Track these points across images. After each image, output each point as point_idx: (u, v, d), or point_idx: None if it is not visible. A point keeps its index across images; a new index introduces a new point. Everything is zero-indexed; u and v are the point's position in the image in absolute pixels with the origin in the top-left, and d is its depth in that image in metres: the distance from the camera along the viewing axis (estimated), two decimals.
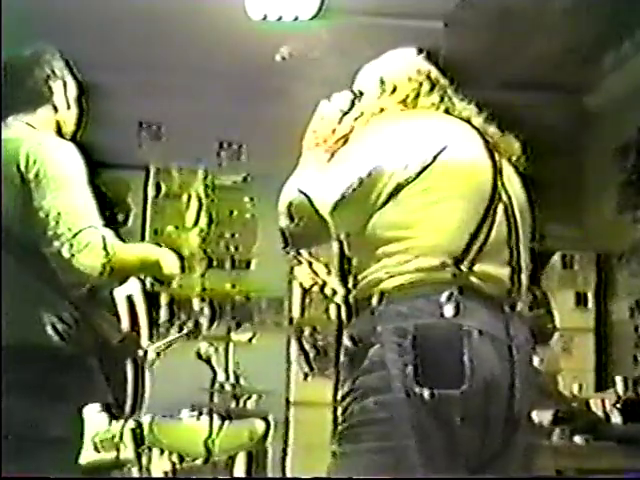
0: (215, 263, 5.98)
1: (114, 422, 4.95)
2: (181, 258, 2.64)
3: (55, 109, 2.60)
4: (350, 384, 2.06)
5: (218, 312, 5.94)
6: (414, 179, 2.05)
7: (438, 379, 1.95)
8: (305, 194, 2.20)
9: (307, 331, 5.81)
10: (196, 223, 5.98)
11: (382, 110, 2.27)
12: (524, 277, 2.15)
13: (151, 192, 5.96)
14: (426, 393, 1.93)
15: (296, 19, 4.78)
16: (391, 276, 2.06)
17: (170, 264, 2.55)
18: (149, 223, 5.92)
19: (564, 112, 5.75)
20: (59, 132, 2.61)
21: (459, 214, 2.06)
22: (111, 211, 5.82)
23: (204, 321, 5.93)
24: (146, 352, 2.79)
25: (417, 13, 4.73)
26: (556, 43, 5.05)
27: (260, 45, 4.92)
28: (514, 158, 2.26)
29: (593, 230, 5.66)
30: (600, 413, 4.47)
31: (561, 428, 4.11)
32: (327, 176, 2.19)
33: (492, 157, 2.17)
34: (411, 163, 2.06)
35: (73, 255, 2.28)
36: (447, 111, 2.28)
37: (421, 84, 2.29)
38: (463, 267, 2.02)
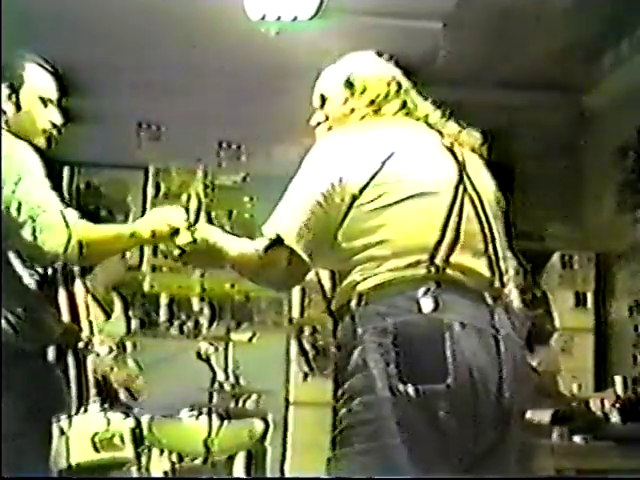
0: None
1: (112, 422, 4.97)
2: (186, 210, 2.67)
3: (18, 107, 2.63)
4: (340, 388, 2.06)
5: (218, 312, 5.95)
6: (365, 187, 2.06)
7: (422, 375, 1.94)
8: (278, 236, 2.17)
9: (307, 331, 5.81)
10: (196, 223, 5.98)
11: (352, 111, 2.29)
12: (503, 265, 2.15)
13: (150, 192, 5.97)
14: (411, 390, 1.92)
15: (295, 19, 4.77)
16: (366, 278, 2.06)
17: (175, 219, 2.58)
18: None
19: (564, 112, 5.75)
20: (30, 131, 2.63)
21: (422, 211, 2.07)
22: (110, 211, 5.83)
23: (204, 321, 5.93)
24: (87, 344, 2.83)
25: (416, 13, 4.72)
26: (555, 43, 5.04)
27: (260, 45, 4.92)
28: (476, 148, 2.27)
29: (593, 230, 5.65)
30: (599, 413, 4.47)
31: (560, 428, 4.11)
32: (287, 207, 2.17)
33: (452, 153, 2.18)
34: (360, 173, 2.07)
35: (36, 237, 2.34)
36: (410, 111, 2.29)
37: (389, 85, 2.30)
38: (438, 261, 2.03)
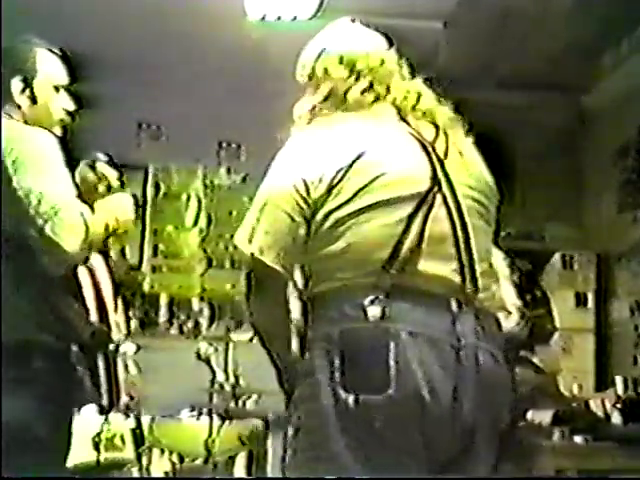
0: (215, 263, 5.98)
1: (113, 422, 4.97)
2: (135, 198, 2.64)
3: (34, 100, 2.62)
4: (291, 393, 2.04)
5: (218, 312, 5.95)
6: (331, 191, 2.00)
7: (364, 384, 1.89)
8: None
9: None
10: (195, 223, 5.98)
11: (337, 99, 2.20)
12: (479, 268, 2.05)
13: (150, 192, 5.96)
14: (350, 399, 1.88)
15: (295, 19, 4.77)
16: (320, 282, 2.02)
17: (124, 208, 2.57)
18: (148, 223, 5.92)
19: (564, 112, 5.74)
20: (45, 120, 2.62)
21: (383, 218, 1.99)
22: None
23: (204, 321, 5.93)
24: (117, 346, 2.79)
25: (416, 13, 4.72)
26: (556, 43, 5.04)
27: (259, 45, 4.92)
28: (460, 132, 2.17)
29: (593, 230, 5.65)
30: (600, 413, 4.47)
31: (561, 428, 4.10)
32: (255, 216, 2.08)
33: (426, 150, 2.08)
34: (323, 180, 2.01)
35: (56, 233, 2.32)
36: (392, 98, 2.18)
37: (373, 70, 2.21)
38: (393, 269, 1.95)
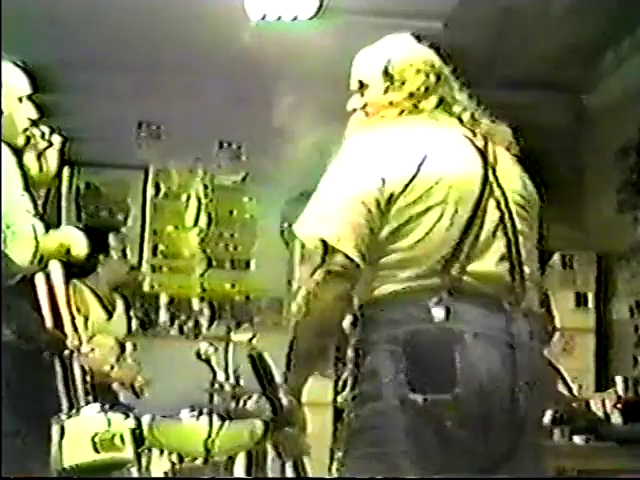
0: (215, 263, 5.98)
1: (112, 422, 4.97)
2: (90, 240, 2.67)
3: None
4: (350, 392, 2.08)
5: (218, 312, 5.95)
6: (403, 191, 2.05)
7: (430, 384, 1.95)
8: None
9: None
10: (195, 223, 5.98)
11: (391, 104, 2.25)
12: (527, 269, 2.15)
13: (150, 192, 5.96)
14: (419, 399, 1.93)
15: (295, 19, 4.78)
16: (384, 284, 2.07)
17: (79, 246, 2.59)
18: (148, 223, 5.92)
19: (564, 112, 5.75)
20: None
21: (446, 219, 2.06)
22: (110, 211, 5.83)
23: (204, 321, 5.93)
24: (72, 352, 2.79)
25: (416, 13, 4.72)
26: (556, 43, 5.05)
27: (260, 45, 4.92)
28: (509, 145, 2.27)
29: (593, 230, 5.65)
30: (600, 413, 4.47)
31: (561, 428, 4.11)
32: (326, 208, 2.11)
33: (481, 154, 2.16)
34: (399, 177, 2.06)
35: (7, 246, 2.35)
36: (447, 107, 2.26)
37: (428, 76, 2.26)
38: (453, 271, 2.03)
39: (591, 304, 5.54)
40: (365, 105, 2.29)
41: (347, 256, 2.04)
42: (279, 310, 5.93)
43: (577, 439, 4.08)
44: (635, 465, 3.84)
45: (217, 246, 5.98)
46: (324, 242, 2.06)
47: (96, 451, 4.87)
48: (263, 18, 4.77)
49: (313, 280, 2.07)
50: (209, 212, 5.98)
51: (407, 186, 2.05)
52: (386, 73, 2.26)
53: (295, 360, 2.16)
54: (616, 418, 4.36)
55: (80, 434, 4.85)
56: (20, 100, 2.66)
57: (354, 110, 2.32)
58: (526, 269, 2.15)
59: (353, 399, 2.07)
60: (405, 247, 2.05)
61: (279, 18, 4.78)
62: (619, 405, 4.44)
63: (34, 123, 2.68)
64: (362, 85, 2.30)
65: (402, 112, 2.24)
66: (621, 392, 4.73)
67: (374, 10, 4.75)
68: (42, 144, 2.76)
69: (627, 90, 5.25)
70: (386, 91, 2.25)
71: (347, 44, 4.94)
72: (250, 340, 5.82)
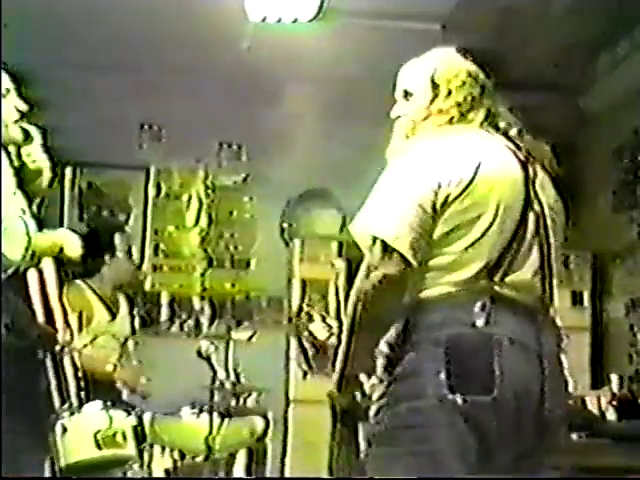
0: (215, 263, 6.00)
1: (114, 420, 5.00)
2: (84, 241, 2.70)
3: None
4: (383, 389, 2.14)
5: (218, 311, 5.97)
6: (459, 196, 2.11)
7: (470, 386, 2.03)
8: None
9: (306, 330, 5.84)
10: (196, 223, 6.01)
11: (440, 112, 2.30)
12: (555, 281, 2.22)
13: (152, 192, 5.98)
14: (459, 399, 2.01)
15: (295, 21, 4.80)
16: (430, 286, 2.13)
17: (72, 247, 2.64)
18: (150, 223, 5.95)
19: (561, 113, 5.76)
20: None
21: (494, 228, 2.13)
22: (112, 211, 5.86)
23: (204, 320, 5.95)
24: (63, 348, 2.81)
25: (415, 15, 4.75)
26: (554, 44, 5.07)
27: (260, 45, 4.96)
28: (546, 162, 2.33)
29: (589, 230, 5.67)
30: (595, 411, 4.50)
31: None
32: (386, 208, 2.15)
33: (524, 168, 2.24)
34: (456, 183, 2.12)
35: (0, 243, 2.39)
36: (493, 121, 2.33)
37: (473, 87, 2.34)
38: (496, 278, 2.11)
39: (587, 303, 5.56)
40: (410, 113, 2.34)
41: (402, 258, 2.09)
42: (279, 309, 5.96)
43: (572, 436, 4.11)
44: (631, 462, 3.87)
45: (218, 246, 6.01)
46: (381, 242, 2.11)
47: (98, 448, 4.91)
48: (263, 20, 4.80)
49: (369, 282, 2.12)
50: (210, 212, 6.01)
51: (463, 191, 2.11)
52: (432, 83, 2.32)
53: (347, 359, 2.18)
54: (611, 415, 4.39)
55: (82, 431, 4.90)
56: (7, 91, 2.70)
57: (398, 117, 2.37)
58: (555, 281, 2.23)
59: (389, 396, 2.12)
60: (455, 251, 2.12)
61: (279, 20, 4.81)
62: (614, 402, 4.47)
63: (24, 115, 2.71)
64: (407, 94, 2.37)
65: (452, 120, 2.30)
66: (616, 389, 4.77)
67: (373, 12, 4.78)
68: (20, 137, 2.79)
69: (624, 91, 5.27)
70: (432, 100, 2.31)
71: (347, 46, 5.01)
72: (250, 338, 5.85)
